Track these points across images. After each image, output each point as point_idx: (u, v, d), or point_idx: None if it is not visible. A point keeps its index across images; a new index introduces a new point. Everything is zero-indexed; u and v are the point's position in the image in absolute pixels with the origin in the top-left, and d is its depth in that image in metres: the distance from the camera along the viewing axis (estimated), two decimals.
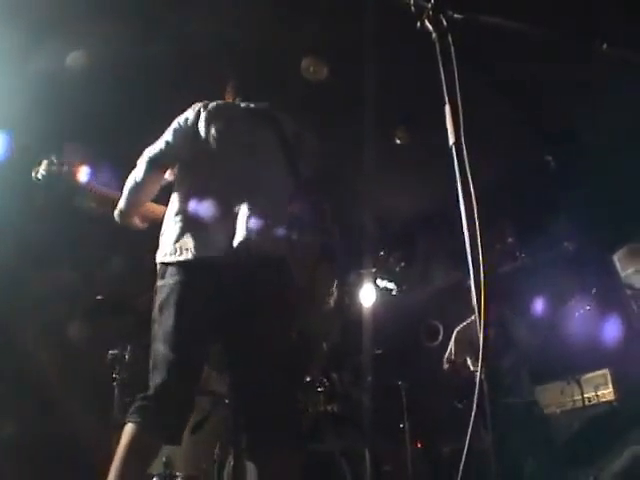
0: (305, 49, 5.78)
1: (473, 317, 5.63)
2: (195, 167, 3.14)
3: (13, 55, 5.19)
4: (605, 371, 7.32)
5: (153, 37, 5.27)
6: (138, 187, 3.19)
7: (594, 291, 7.15)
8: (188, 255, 2.86)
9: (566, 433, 6.36)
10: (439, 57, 2.13)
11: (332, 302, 7.15)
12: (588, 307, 7.25)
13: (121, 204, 3.28)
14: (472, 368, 5.95)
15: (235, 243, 2.85)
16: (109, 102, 5.54)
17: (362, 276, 7.65)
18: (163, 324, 2.84)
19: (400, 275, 7.78)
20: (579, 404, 7.01)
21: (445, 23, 2.22)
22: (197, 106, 3.29)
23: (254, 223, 2.89)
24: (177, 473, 4.59)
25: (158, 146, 3.19)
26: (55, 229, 5.41)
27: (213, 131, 3.15)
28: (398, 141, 6.82)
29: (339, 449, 5.11)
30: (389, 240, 8.12)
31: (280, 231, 2.97)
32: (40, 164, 3.63)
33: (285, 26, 5.38)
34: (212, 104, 3.28)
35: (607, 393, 7.22)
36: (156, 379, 2.78)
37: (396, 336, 7.83)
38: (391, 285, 7.71)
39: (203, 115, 3.21)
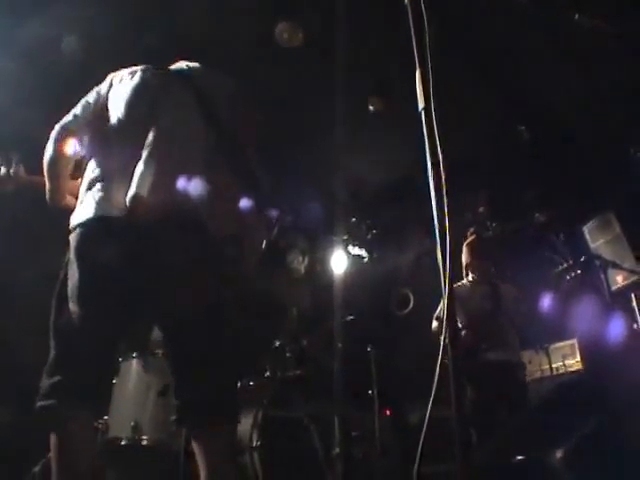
0: (277, 14, 5.72)
1: (465, 280, 5.68)
2: (100, 134, 3.06)
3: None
4: (573, 341, 7.43)
5: (146, 23, 5.20)
6: (51, 161, 3.12)
7: (563, 261, 7.20)
8: (88, 214, 2.79)
9: (534, 401, 6.44)
10: (411, 23, 2.12)
11: (302, 268, 7.20)
12: (557, 277, 7.32)
13: (47, 185, 3.21)
14: (460, 326, 5.98)
15: (127, 198, 2.75)
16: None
17: (334, 243, 7.66)
18: (70, 284, 2.75)
19: (371, 242, 7.79)
20: (547, 373, 7.13)
21: None
22: (110, 75, 3.24)
23: (149, 177, 2.79)
24: (145, 437, 4.58)
25: (67, 118, 3.14)
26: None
27: (117, 96, 3.09)
28: (371, 108, 6.81)
29: (308, 414, 5.14)
30: (361, 207, 8.12)
31: (186, 183, 2.83)
32: None
33: None
34: (125, 70, 3.24)
35: (574, 363, 7.34)
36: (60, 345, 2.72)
37: (367, 303, 7.87)
38: (362, 252, 7.72)
39: (114, 82, 3.18)
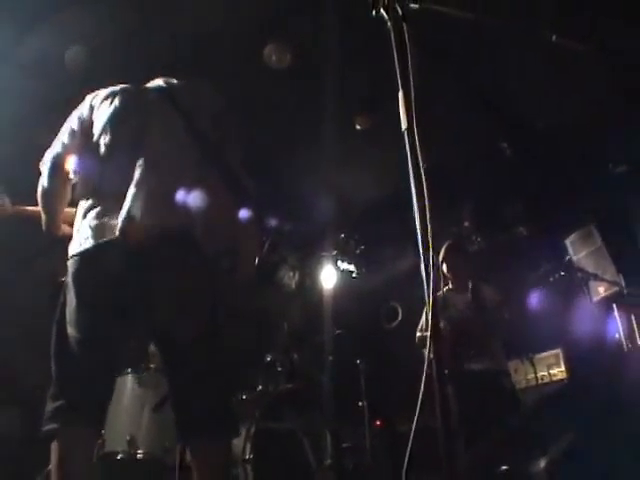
0: (266, 36, 5.75)
1: (446, 289, 5.66)
2: (89, 159, 3.02)
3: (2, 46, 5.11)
4: (557, 351, 7.44)
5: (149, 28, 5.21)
6: (47, 194, 3.11)
7: (547, 274, 7.23)
8: (87, 244, 2.79)
9: (520, 410, 6.43)
10: (394, 45, 2.14)
11: (293, 284, 7.21)
12: (542, 289, 7.35)
13: (42, 217, 3.20)
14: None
15: (119, 222, 2.74)
16: None
17: (323, 259, 7.68)
18: (68, 309, 2.78)
19: (360, 258, 7.81)
20: (532, 382, 7.13)
21: (400, 12, 2.23)
22: (89, 98, 3.20)
23: (140, 201, 2.78)
24: (140, 451, 4.57)
25: (56, 148, 3.11)
26: None
27: (102, 119, 3.05)
28: (358, 127, 6.84)
29: (300, 427, 5.14)
30: (349, 223, 8.14)
31: (178, 202, 2.82)
32: None
33: (246, 12, 5.35)
34: (102, 92, 3.19)
35: (559, 372, 7.35)
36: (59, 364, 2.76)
37: (356, 317, 7.88)
38: (351, 267, 7.74)
39: (95, 105, 3.13)
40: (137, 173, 2.87)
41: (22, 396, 5.82)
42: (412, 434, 1.75)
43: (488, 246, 7.03)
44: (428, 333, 1.78)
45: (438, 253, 7.31)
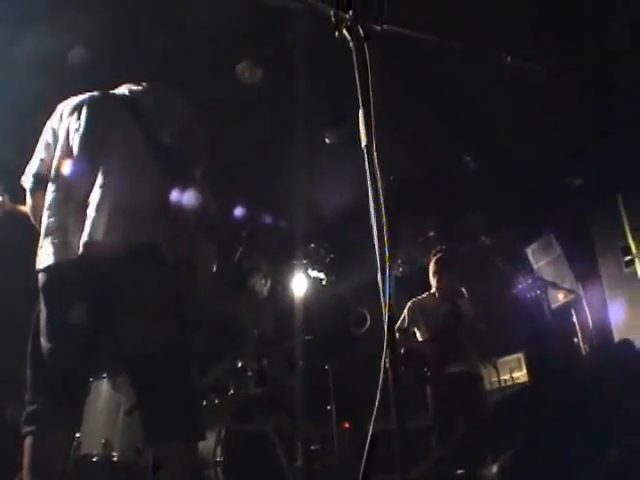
0: (240, 54, 5.77)
1: (429, 293, 5.69)
2: (55, 173, 3.00)
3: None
4: (519, 355, 7.53)
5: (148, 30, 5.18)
6: (33, 210, 3.10)
7: (509, 281, 7.30)
8: (50, 260, 2.80)
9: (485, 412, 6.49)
10: (355, 64, 2.17)
11: (265, 291, 7.21)
12: (504, 296, 7.42)
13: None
14: (420, 339, 6.03)
15: (81, 244, 2.74)
16: None
17: (294, 267, 7.69)
18: (41, 321, 2.80)
19: (330, 266, 7.84)
20: (496, 386, 7.19)
21: (362, 33, 2.26)
22: (60, 107, 3.17)
23: (102, 220, 2.77)
24: (115, 454, 4.55)
25: (35, 164, 3.09)
26: None
27: (69, 132, 3.03)
28: (328, 140, 6.87)
29: (270, 430, 5.14)
30: (320, 233, 8.16)
31: (140, 217, 2.83)
32: None
33: (217, 29, 5.36)
34: (72, 101, 3.16)
35: (521, 375, 7.43)
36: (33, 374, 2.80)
37: (326, 323, 7.90)
38: (321, 275, 7.77)
39: (64, 115, 3.11)
40: (98, 190, 2.85)
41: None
42: (369, 437, 1.77)
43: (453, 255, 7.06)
44: (385, 340, 1.80)
45: (395, 263, 7.44)
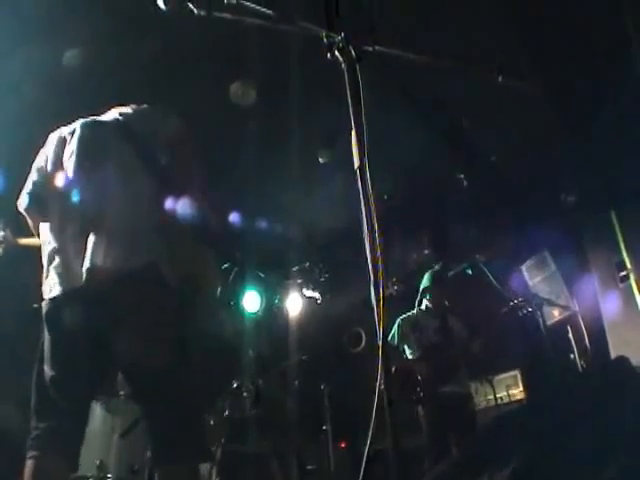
0: (234, 75, 5.80)
1: (418, 309, 5.71)
2: (51, 203, 3.04)
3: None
4: (516, 372, 7.51)
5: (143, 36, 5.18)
6: (37, 230, 3.14)
7: (504, 298, 7.30)
8: (56, 291, 2.83)
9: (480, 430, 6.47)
10: (347, 86, 2.20)
11: (260, 311, 7.22)
12: (499, 313, 7.42)
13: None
14: (410, 357, 6.04)
15: (84, 270, 2.77)
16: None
17: (289, 286, 7.71)
18: (44, 349, 2.85)
19: (325, 285, 7.85)
20: (492, 403, 7.18)
21: (354, 54, 2.29)
22: (52, 136, 3.19)
23: (101, 246, 2.81)
24: (109, 475, 4.55)
25: (28, 186, 3.11)
26: None
27: (62, 160, 3.06)
28: (321, 160, 6.90)
29: (266, 450, 5.14)
30: (314, 252, 8.17)
31: (140, 240, 2.86)
32: None
33: (212, 50, 5.39)
34: (64, 130, 3.19)
35: (517, 392, 7.41)
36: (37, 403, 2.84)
37: (321, 342, 7.89)
38: (316, 294, 7.78)
39: (57, 144, 3.13)
40: (96, 217, 2.88)
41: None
42: (365, 457, 1.78)
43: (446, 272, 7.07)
44: (379, 362, 1.81)
45: (389, 281, 7.44)
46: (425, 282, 6.31)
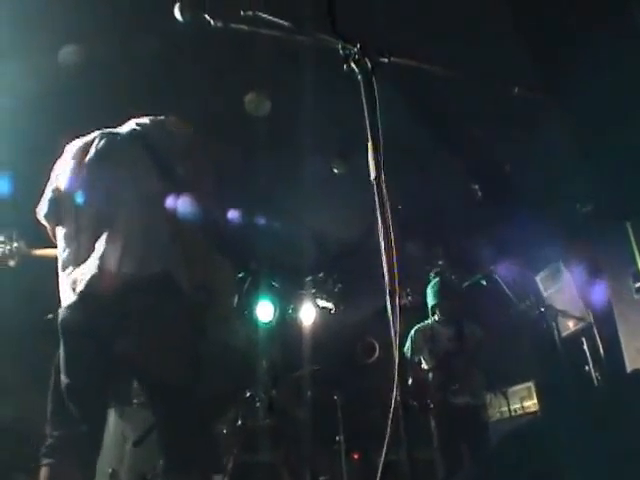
0: (247, 86, 5.82)
1: (431, 320, 5.70)
2: (68, 211, 3.07)
3: None
4: (530, 384, 7.47)
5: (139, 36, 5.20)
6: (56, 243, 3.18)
7: (518, 309, 7.27)
8: (69, 299, 2.86)
9: (493, 443, 6.45)
10: (363, 97, 2.21)
11: (273, 320, 7.22)
12: (514, 324, 7.39)
13: None
14: (426, 367, 6.02)
15: (92, 277, 2.81)
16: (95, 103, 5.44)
17: (303, 296, 7.71)
18: (60, 358, 2.87)
19: (338, 295, 7.85)
20: (506, 415, 7.14)
21: (370, 65, 2.30)
22: (69, 147, 3.22)
23: (114, 253, 2.84)
24: None
25: (47, 194, 3.16)
26: None
27: (79, 170, 3.09)
28: (335, 170, 6.91)
29: (278, 461, 5.13)
30: (328, 262, 8.18)
31: (154, 246, 2.90)
32: None
33: (227, 62, 5.41)
34: (80, 141, 3.22)
35: (531, 405, 7.37)
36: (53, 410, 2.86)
37: (334, 353, 7.89)
38: (330, 305, 7.79)
39: (74, 154, 3.16)
40: (108, 228, 2.91)
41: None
42: (380, 468, 1.78)
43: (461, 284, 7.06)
44: (395, 372, 1.82)
45: (404, 292, 7.42)
46: (439, 293, 6.28)
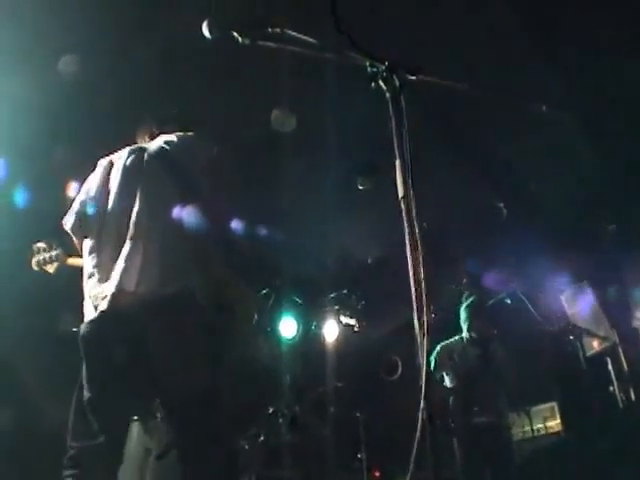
0: (272, 102, 5.84)
1: (459, 337, 5.68)
2: (93, 224, 3.11)
3: None
4: (553, 404, 7.40)
5: (139, 43, 5.23)
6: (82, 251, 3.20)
7: (543, 328, 7.23)
8: (90, 315, 2.89)
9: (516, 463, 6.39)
10: (392, 116, 2.20)
11: (297, 337, 7.22)
12: (538, 343, 7.34)
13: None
14: (449, 385, 5.98)
15: (113, 295, 2.82)
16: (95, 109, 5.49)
17: (326, 313, 7.71)
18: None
19: (361, 312, 7.83)
20: (528, 435, 7.06)
21: (397, 83, 2.29)
22: (101, 162, 3.27)
23: (134, 270, 2.85)
24: None
25: (75, 207, 3.19)
26: None
27: (107, 186, 3.14)
28: (360, 187, 6.90)
29: (300, 477, 5.11)
30: (352, 279, 8.17)
31: (175, 264, 2.91)
32: (34, 254, 3.88)
33: (252, 78, 5.44)
34: (112, 157, 3.27)
35: (555, 425, 7.29)
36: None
37: (357, 370, 7.86)
38: (353, 321, 7.77)
39: (104, 170, 3.21)
40: (129, 244, 2.92)
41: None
42: None
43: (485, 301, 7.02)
44: (422, 393, 1.80)
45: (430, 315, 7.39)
46: (463, 312, 6.26)
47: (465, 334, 6.22)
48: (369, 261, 8.30)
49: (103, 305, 2.83)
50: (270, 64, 4.70)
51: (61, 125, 5.50)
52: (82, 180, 3.28)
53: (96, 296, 2.89)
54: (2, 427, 5.67)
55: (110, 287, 2.83)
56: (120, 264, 2.86)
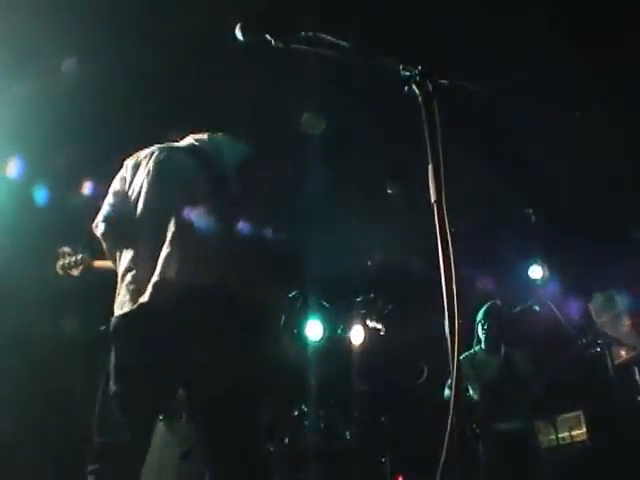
0: (301, 105, 5.84)
1: (479, 346, 5.64)
2: (126, 224, 3.09)
3: None
4: (579, 413, 7.31)
5: (138, 47, 5.24)
6: (111, 254, 3.20)
7: (570, 336, 7.16)
8: (126, 308, 2.87)
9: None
10: (424, 120, 2.17)
11: (322, 340, 7.21)
12: (565, 352, 7.27)
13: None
14: (472, 394, 5.94)
15: (151, 284, 2.82)
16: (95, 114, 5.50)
17: (352, 316, 7.70)
18: (110, 365, 2.86)
19: (388, 317, 7.81)
20: (554, 443, 6.99)
21: (431, 88, 2.27)
22: (128, 161, 3.26)
23: (174, 263, 2.85)
24: None
25: (105, 210, 3.18)
26: None
27: (138, 183, 3.12)
28: (389, 191, 6.89)
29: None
30: (379, 283, 8.15)
31: (210, 260, 2.90)
32: (59, 258, 3.90)
33: (283, 85, 5.45)
34: (140, 154, 3.26)
35: (580, 434, 7.20)
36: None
37: (382, 374, 7.84)
38: (379, 326, 7.75)
39: (133, 168, 3.20)
40: (168, 239, 2.92)
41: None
42: None
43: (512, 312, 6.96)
44: (452, 398, 1.77)
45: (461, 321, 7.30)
46: (486, 319, 6.19)
47: (483, 343, 6.17)
48: (397, 266, 8.27)
49: (144, 297, 2.82)
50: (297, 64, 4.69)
51: (72, 125, 5.51)
52: (99, 178, 3.29)
53: (135, 290, 2.88)
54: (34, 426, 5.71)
55: (153, 277, 2.83)
56: (160, 259, 2.86)
